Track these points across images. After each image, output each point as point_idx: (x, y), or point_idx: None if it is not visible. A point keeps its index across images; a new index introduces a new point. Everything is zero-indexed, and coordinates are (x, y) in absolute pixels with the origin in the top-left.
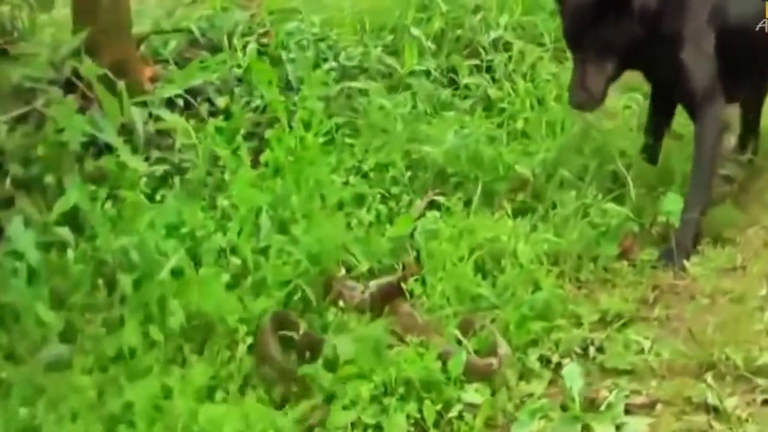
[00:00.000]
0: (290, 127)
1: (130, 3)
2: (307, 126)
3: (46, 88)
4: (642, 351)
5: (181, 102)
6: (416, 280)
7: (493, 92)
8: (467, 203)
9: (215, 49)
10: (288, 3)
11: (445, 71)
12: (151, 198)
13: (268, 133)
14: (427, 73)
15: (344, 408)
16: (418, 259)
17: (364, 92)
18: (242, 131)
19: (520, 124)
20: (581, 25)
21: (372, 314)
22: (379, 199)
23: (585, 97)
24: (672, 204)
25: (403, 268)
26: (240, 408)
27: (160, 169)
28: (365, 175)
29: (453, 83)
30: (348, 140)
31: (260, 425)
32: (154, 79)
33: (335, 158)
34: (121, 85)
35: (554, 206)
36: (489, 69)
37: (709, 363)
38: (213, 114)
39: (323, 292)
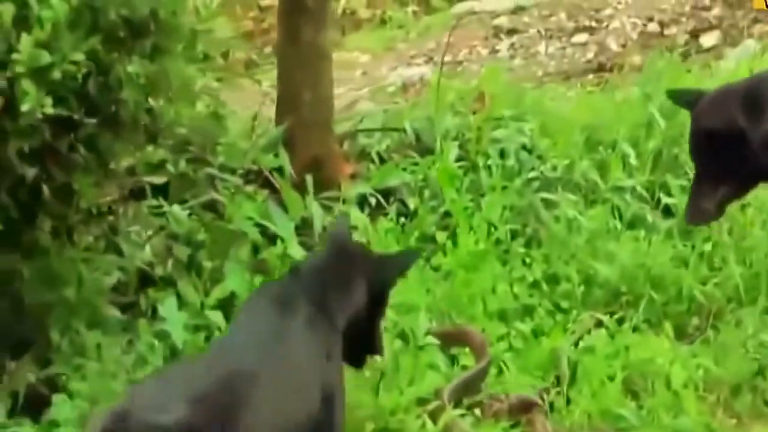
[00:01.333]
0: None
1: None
2: (483, 233)
3: (229, 178)
4: None
5: (374, 200)
6: (559, 393)
7: None
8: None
9: (426, 150)
10: (515, 108)
11: (654, 189)
12: None
13: (441, 237)
14: (633, 189)
15: None
16: (572, 374)
17: (555, 203)
18: (416, 233)
19: (708, 247)
20: (698, 147)
21: (508, 424)
22: (545, 311)
23: (697, 216)
24: None
25: (558, 381)
26: None
27: None
28: (536, 285)
29: (658, 202)
30: (524, 249)
31: None
32: (354, 176)
33: (507, 267)
34: (308, 179)
35: (720, 332)
36: None
37: None
38: (403, 215)
39: None
